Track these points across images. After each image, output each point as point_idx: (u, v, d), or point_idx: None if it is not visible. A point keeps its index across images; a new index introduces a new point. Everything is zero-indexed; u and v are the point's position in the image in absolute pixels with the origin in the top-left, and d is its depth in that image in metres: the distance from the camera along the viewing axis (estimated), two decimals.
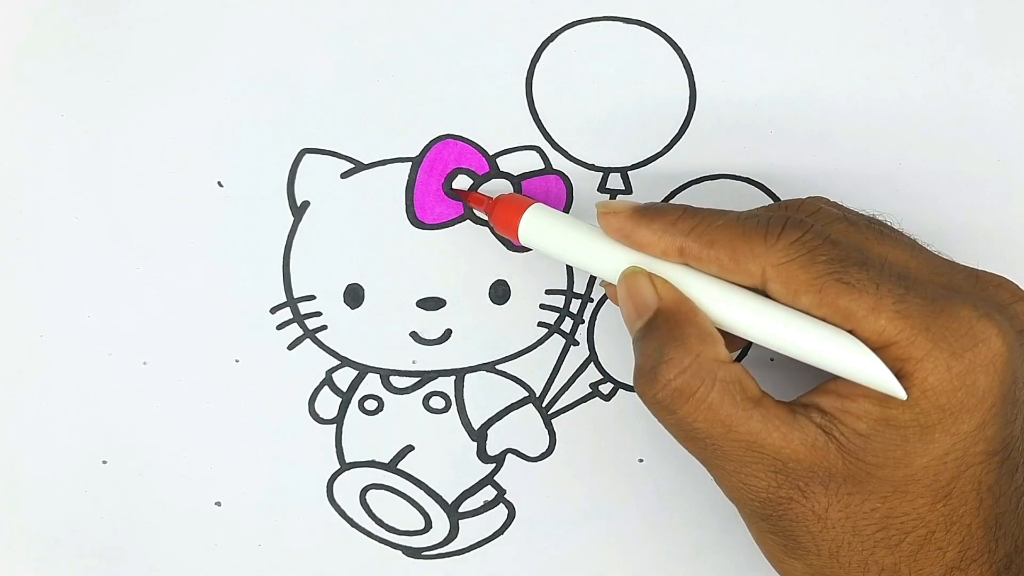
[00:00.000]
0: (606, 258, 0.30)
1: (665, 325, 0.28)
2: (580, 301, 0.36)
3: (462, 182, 0.35)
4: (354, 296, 0.36)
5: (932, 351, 0.26)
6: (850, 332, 0.27)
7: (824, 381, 0.28)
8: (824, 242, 0.27)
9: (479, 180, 0.35)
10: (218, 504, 0.36)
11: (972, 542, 0.27)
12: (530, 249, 0.35)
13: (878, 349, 0.26)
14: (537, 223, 0.32)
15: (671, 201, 0.35)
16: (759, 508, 0.28)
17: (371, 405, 0.36)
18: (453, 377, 0.36)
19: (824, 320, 0.27)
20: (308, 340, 0.36)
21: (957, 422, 0.26)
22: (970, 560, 0.27)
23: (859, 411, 0.27)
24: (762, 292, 0.28)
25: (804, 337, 0.27)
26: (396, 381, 0.36)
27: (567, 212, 0.35)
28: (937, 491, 0.27)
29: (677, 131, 0.35)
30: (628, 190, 0.35)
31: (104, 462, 0.36)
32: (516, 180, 0.35)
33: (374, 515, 0.36)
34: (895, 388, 0.26)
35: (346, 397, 0.36)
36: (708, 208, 0.29)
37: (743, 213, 0.29)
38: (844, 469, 0.27)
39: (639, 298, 0.29)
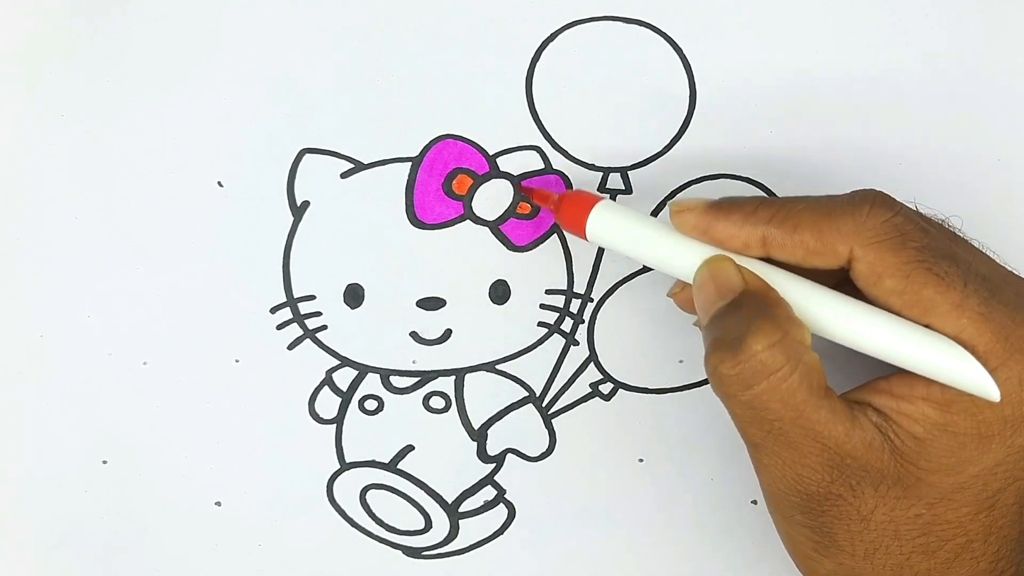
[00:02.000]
0: (681, 253, 0.30)
1: (752, 302, 0.27)
2: (580, 301, 0.36)
3: (534, 181, 0.35)
4: (354, 296, 0.36)
5: (1008, 361, 0.25)
6: (927, 325, 0.26)
7: (875, 378, 0.28)
8: (916, 227, 0.27)
9: (479, 180, 0.35)
10: (218, 504, 0.36)
11: (1005, 553, 0.27)
12: (530, 249, 0.35)
13: None
14: (606, 220, 0.31)
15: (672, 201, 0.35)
16: (803, 502, 0.28)
17: (371, 405, 0.36)
18: (453, 377, 0.36)
19: (903, 309, 0.26)
20: (308, 340, 0.36)
21: (1015, 434, 0.26)
22: (1000, 571, 0.27)
23: (917, 414, 0.26)
24: (841, 275, 0.28)
25: (903, 344, 0.26)
26: (396, 381, 0.36)
27: None
28: (983, 501, 0.27)
29: (677, 131, 0.35)
30: (628, 190, 0.35)
31: (104, 462, 0.36)
32: (516, 180, 0.35)
33: (374, 515, 0.36)
34: (991, 391, 0.25)
35: (346, 397, 0.36)
36: (787, 199, 0.29)
37: (823, 197, 0.28)
38: (895, 472, 0.27)
39: (723, 280, 0.28)
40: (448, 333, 0.36)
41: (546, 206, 0.33)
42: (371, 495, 0.36)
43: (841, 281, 0.29)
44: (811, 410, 0.27)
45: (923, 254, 0.26)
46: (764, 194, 0.35)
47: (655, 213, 0.35)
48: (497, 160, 0.35)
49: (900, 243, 0.26)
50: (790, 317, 0.27)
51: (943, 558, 0.27)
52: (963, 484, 0.27)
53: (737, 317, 0.27)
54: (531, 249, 0.35)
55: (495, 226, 0.35)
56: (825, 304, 0.28)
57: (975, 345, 0.26)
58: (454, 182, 0.35)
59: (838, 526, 0.28)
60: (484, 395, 0.36)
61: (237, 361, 0.36)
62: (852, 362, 0.30)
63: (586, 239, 0.32)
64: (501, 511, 0.36)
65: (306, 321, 0.36)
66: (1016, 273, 0.29)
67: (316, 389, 0.36)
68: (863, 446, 0.27)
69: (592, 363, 0.36)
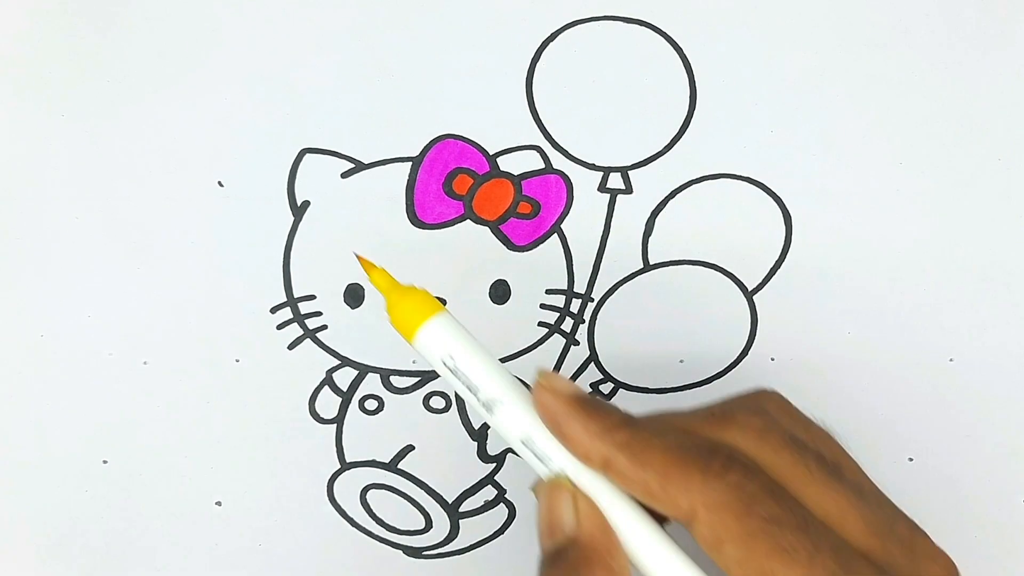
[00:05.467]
0: (507, 421, 0.27)
1: (576, 562, 0.26)
2: (580, 301, 0.36)
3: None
4: (354, 296, 0.36)
5: None
6: None
7: None
8: (767, 494, 0.25)
9: (479, 180, 0.35)
10: (218, 504, 0.36)
11: None
12: (530, 249, 0.35)
13: None
14: (444, 336, 0.27)
15: (671, 200, 0.35)
16: None
17: (371, 405, 0.36)
18: None
19: None
20: (308, 340, 0.36)
21: None
22: None
23: None
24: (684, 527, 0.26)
25: None
26: (396, 381, 0.36)
27: (567, 212, 0.35)
28: None
29: (677, 131, 0.35)
30: (628, 190, 0.35)
31: (104, 462, 0.36)
32: (516, 180, 0.35)
33: (374, 515, 0.36)
34: None
35: (346, 397, 0.36)
36: (654, 421, 0.27)
37: (685, 437, 0.26)
38: None
39: (556, 516, 0.26)
40: None
41: (381, 292, 0.29)
42: (371, 495, 0.36)
43: None
44: None
45: (769, 524, 0.24)
46: (765, 195, 0.35)
47: (656, 213, 0.35)
48: (497, 160, 0.35)
49: (745, 510, 0.24)
50: (619, 573, 0.26)
51: None
52: None
53: (559, 571, 0.26)
54: (531, 249, 0.35)
55: (495, 226, 0.35)
56: (655, 561, 0.26)
57: None
58: (454, 182, 0.35)
59: None
60: None
61: (237, 361, 0.36)
62: None
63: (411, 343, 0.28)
64: (501, 511, 0.36)
65: (306, 321, 0.36)
66: (890, 511, 0.27)
67: (316, 389, 0.36)
68: None
69: (592, 363, 0.36)
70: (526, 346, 0.36)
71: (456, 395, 0.36)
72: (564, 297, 0.36)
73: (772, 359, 0.36)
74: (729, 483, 0.25)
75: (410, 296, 0.29)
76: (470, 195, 0.35)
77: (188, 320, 0.36)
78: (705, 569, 0.26)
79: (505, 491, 0.36)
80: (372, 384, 0.36)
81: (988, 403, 0.36)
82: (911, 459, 0.36)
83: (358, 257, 0.30)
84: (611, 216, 0.35)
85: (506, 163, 0.35)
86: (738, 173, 0.35)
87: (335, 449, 0.36)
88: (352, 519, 0.36)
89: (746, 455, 0.26)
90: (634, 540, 0.26)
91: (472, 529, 0.36)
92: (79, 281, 0.36)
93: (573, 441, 0.26)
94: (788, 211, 0.35)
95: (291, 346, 0.36)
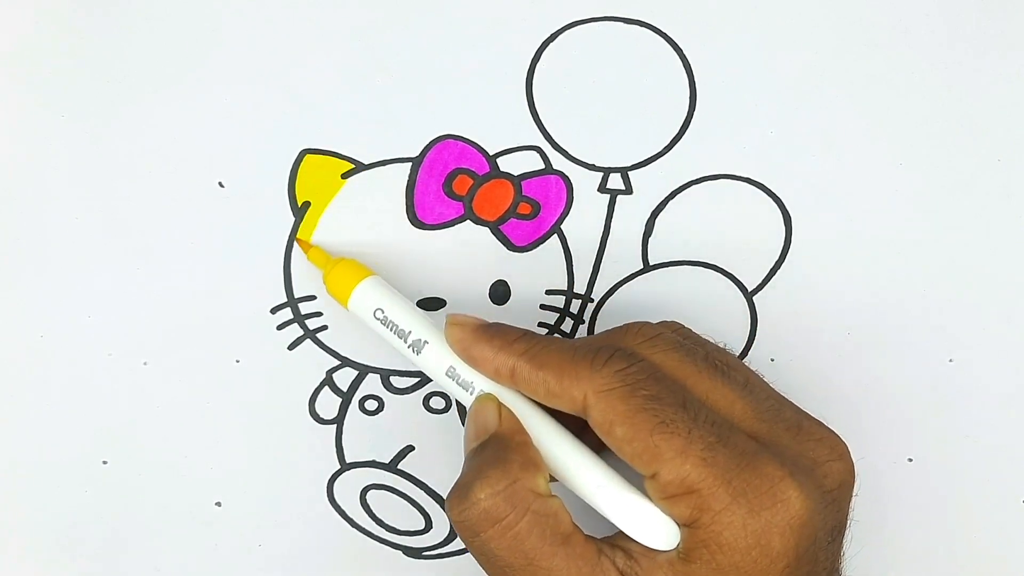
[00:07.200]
0: (432, 358, 0.31)
1: (494, 449, 0.28)
2: (580, 301, 0.36)
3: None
4: None
5: (730, 505, 0.26)
6: (656, 473, 0.27)
7: None
8: (648, 377, 0.27)
9: (479, 180, 0.35)
10: (218, 504, 0.36)
11: None
12: (530, 249, 0.35)
13: (679, 495, 0.26)
14: (373, 294, 0.32)
15: (671, 201, 0.35)
16: None
17: (371, 405, 0.36)
18: None
19: (633, 457, 0.27)
20: (308, 340, 0.36)
21: None
22: None
23: (662, 560, 0.27)
24: (585, 419, 0.28)
25: (603, 498, 0.28)
26: (396, 381, 0.36)
27: (567, 212, 0.35)
28: None
29: (677, 131, 0.35)
30: (628, 190, 0.35)
31: (104, 462, 0.36)
32: (516, 180, 0.35)
33: (374, 515, 0.36)
34: (660, 543, 0.27)
35: (346, 397, 0.36)
36: (550, 336, 0.30)
37: (580, 340, 0.29)
38: None
39: (481, 420, 0.30)
40: None
41: (318, 266, 0.34)
42: (371, 495, 0.36)
43: None
44: (543, 558, 0.27)
45: (650, 403, 0.27)
46: (765, 195, 0.35)
47: (656, 213, 0.35)
48: (497, 160, 0.35)
49: (629, 392, 0.27)
50: (526, 463, 0.28)
51: None
52: None
53: (476, 461, 0.28)
54: (531, 249, 0.35)
55: (495, 226, 0.35)
56: (553, 449, 0.29)
57: (699, 490, 0.26)
58: (454, 182, 0.35)
59: None
60: None
61: (237, 361, 0.36)
62: None
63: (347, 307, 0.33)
64: None
65: (307, 321, 0.36)
66: (780, 403, 0.29)
67: (316, 389, 0.36)
68: None
69: None
70: None
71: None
72: (564, 298, 0.36)
73: (772, 359, 0.36)
74: (614, 370, 0.27)
75: (342, 265, 0.33)
76: (470, 195, 0.35)
77: (188, 320, 0.36)
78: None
79: None
80: (372, 384, 0.36)
81: (988, 403, 0.36)
82: (911, 459, 0.36)
83: (297, 240, 0.35)
84: (611, 216, 0.35)
85: (506, 163, 0.35)
86: (738, 173, 0.35)
87: (335, 449, 0.36)
88: (352, 519, 0.36)
89: (635, 354, 0.28)
90: (545, 439, 0.29)
91: None
92: (79, 281, 0.36)
93: (482, 361, 0.30)
94: (788, 211, 0.35)
95: (291, 346, 0.36)
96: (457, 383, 0.31)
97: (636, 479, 0.28)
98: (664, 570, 0.27)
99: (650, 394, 0.27)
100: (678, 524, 0.27)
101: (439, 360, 0.31)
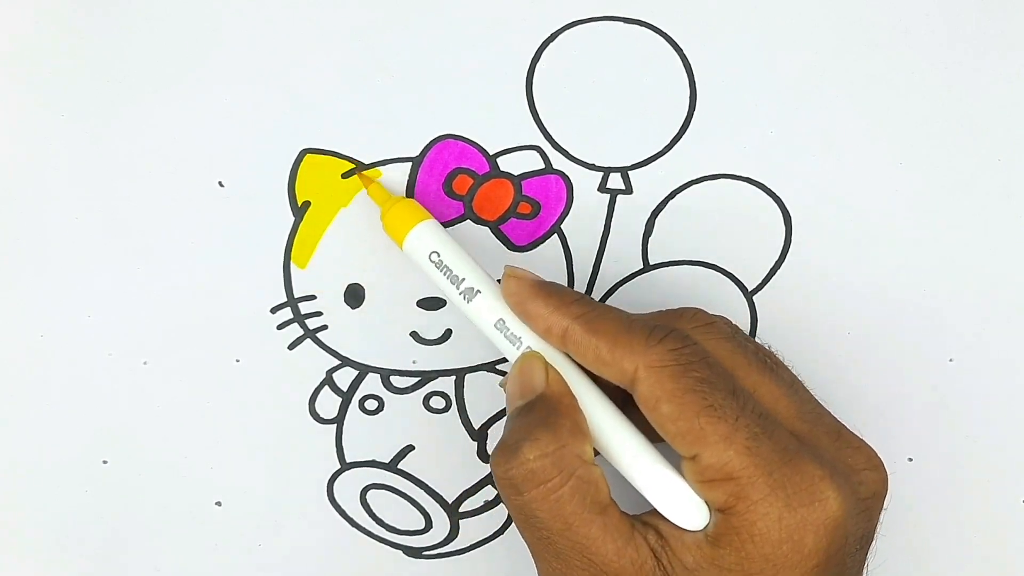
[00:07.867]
0: (483, 307, 0.31)
1: (543, 410, 0.28)
2: None
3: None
4: (354, 296, 0.36)
5: (768, 496, 0.26)
6: (697, 455, 0.27)
7: None
8: (700, 361, 0.27)
9: (479, 180, 0.35)
10: (218, 504, 0.36)
11: None
12: (530, 249, 0.35)
13: (718, 480, 0.27)
14: (431, 237, 0.32)
15: (671, 201, 0.35)
16: None
17: (371, 405, 0.36)
18: (453, 377, 0.36)
19: (677, 436, 0.27)
20: (308, 340, 0.36)
21: (778, 575, 0.26)
22: None
23: (690, 542, 0.27)
24: (629, 393, 0.28)
25: (639, 473, 0.28)
26: (396, 381, 0.36)
27: (567, 212, 0.35)
28: None
29: (677, 131, 0.35)
30: (628, 190, 0.35)
31: (104, 462, 0.36)
32: (516, 180, 0.35)
33: (374, 515, 0.36)
34: (692, 523, 0.27)
35: (346, 397, 0.36)
36: (606, 304, 0.30)
37: (635, 315, 0.29)
38: None
39: (528, 378, 0.29)
40: (448, 333, 0.36)
41: (377, 203, 0.34)
42: (371, 495, 0.36)
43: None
44: (581, 524, 0.27)
45: (701, 385, 0.27)
46: (765, 195, 0.35)
47: (656, 213, 0.35)
48: (497, 160, 0.35)
49: (681, 371, 0.27)
50: (575, 429, 0.28)
51: None
52: None
53: (524, 421, 0.28)
54: (531, 249, 0.35)
55: (495, 226, 0.35)
56: (594, 416, 0.29)
57: (738, 478, 0.26)
58: (454, 182, 0.35)
59: None
60: (484, 395, 0.36)
61: (237, 361, 0.36)
62: None
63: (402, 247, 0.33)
64: (501, 511, 0.36)
65: (306, 321, 0.36)
66: (821, 410, 0.29)
67: (316, 389, 0.36)
68: (632, 567, 0.27)
69: None
70: None
71: (456, 395, 0.36)
72: None
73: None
74: (668, 348, 0.27)
75: (401, 205, 0.33)
76: (470, 195, 0.35)
77: (188, 320, 0.36)
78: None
79: None
80: (372, 384, 0.36)
81: (988, 403, 0.36)
82: (911, 459, 0.36)
83: (359, 175, 0.35)
84: (611, 216, 0.35)
85: (506, 163, 0.35)
86: (738, 173, 0.35)
87: (335, 449, 0.36)
88: (352, 519, 0.36)
89: (690, 337, 0.28)
90: (587, 405, 0.29)
91: (472, 529, 0.36)
92: (79, 281, 0.36)
93: (535, 317, 0.29)
94: (788, 211, 0.35)
95: (291, 346, 0.36)
96: (505, 335, 0.30)
97: (673, 459, 0.28)
98: (692, 552, 0.27)
99: (701, 377, 0.27)
100: (711, 509, 0.27)
101: (490, 311, 0.31)
